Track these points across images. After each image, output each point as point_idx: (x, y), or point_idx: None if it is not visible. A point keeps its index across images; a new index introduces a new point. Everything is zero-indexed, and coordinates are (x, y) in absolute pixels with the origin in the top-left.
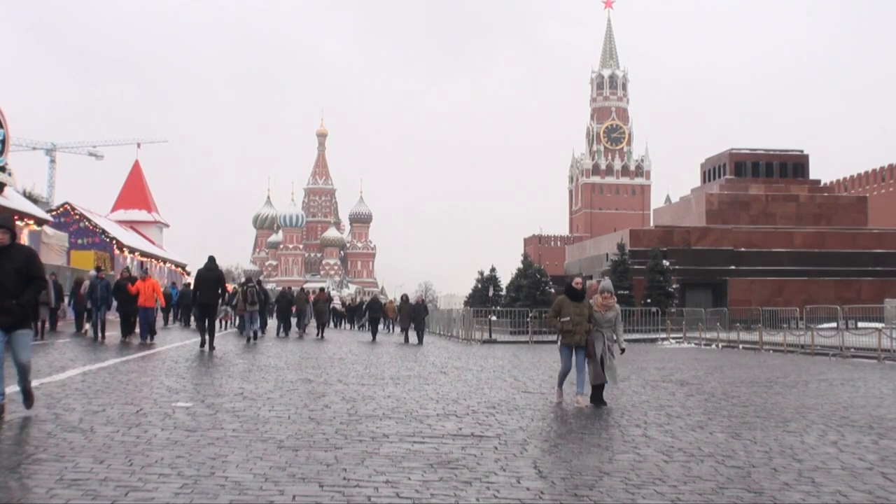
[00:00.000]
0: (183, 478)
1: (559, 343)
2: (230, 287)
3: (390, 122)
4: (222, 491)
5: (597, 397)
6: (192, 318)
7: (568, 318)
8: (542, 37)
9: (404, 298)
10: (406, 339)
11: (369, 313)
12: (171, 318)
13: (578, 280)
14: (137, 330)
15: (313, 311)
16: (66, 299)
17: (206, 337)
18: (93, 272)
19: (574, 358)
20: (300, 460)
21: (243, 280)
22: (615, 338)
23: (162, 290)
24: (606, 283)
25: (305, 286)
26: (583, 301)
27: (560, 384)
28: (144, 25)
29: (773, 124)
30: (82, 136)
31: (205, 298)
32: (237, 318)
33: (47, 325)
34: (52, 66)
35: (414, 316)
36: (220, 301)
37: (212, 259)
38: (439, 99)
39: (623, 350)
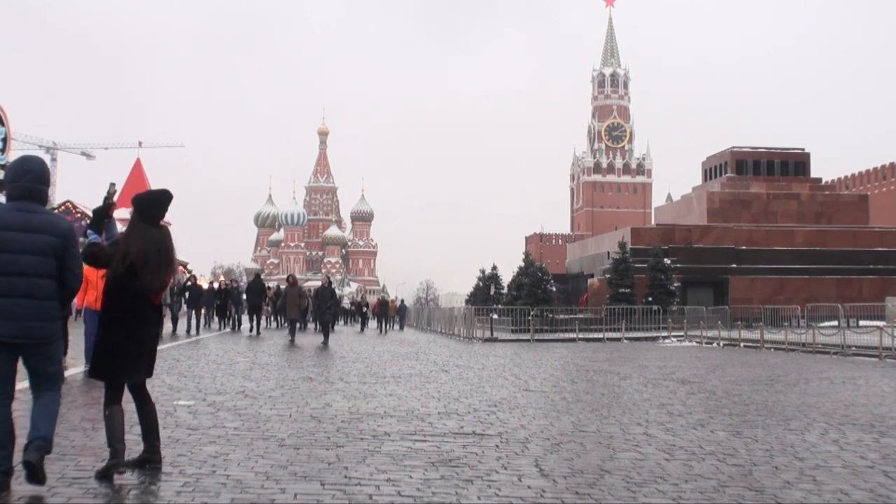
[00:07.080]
0: (184, 476)
1: None
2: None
3: (392, 121)
4: (223, 489)
5: None
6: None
7: None
8: (544, 36)
9: (291, 281)
10: (292, 340)
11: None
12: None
13: None
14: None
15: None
16: None
17: (255, 325)
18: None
19: None
20: (301, 458)
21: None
22: None
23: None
24: None
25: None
26: None
27: None
28: (145, 23)
29: (775, 123)
30: (85, 135)
31: (253, 301)
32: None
33: None
34: (49, 63)
35: (318, 304)
36: (263, 303)
37: (257, 275)
38: (441, 98)
39: None
